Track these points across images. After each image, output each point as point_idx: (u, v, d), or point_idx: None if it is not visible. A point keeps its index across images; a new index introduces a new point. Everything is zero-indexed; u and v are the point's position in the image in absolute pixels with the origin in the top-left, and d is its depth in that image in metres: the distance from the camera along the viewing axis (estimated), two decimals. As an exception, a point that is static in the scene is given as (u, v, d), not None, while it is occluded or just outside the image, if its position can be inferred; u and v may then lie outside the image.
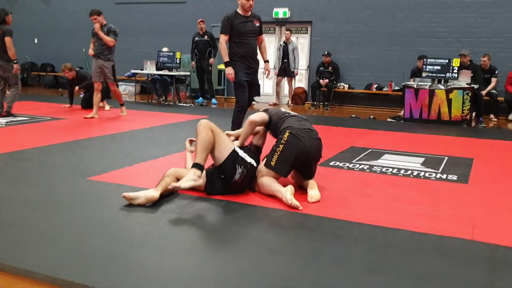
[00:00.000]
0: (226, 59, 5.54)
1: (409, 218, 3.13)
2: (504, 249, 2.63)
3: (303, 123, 3.70)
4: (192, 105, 10.41)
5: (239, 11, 5.58)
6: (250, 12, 5.58)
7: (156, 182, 3.36)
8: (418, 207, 3.37)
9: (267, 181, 3.49)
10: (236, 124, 5.58)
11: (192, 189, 3.44)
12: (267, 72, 5.87)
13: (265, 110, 3.88)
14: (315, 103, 10.88)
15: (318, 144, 3.66)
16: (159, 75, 10.51)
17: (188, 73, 10.78)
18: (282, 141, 3.52)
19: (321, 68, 11.01)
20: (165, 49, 11.01)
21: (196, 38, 10.66)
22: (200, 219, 3.04)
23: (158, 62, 10.58)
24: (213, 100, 10.74)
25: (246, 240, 2.71)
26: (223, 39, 5.52)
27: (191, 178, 3.21)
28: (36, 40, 14.75)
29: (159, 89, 10.73)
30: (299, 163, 3.61)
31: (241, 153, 3.48)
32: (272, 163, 3.52)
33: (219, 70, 12.00)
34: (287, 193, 3.30)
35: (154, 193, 3.23)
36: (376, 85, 10.85)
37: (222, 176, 3.44)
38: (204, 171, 3.36)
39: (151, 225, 2.89)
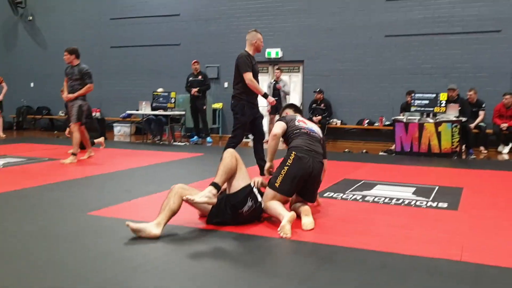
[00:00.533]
0: (263, 91, 5.83)
1: (400, 242, 3.24)
2: (491, 268, 2.75)
3: (312, 143, 3.88)
4: (187, 143, 10.57)
5: (250, 52, 5.80)
6: None
7: (156, 214, 3.44)
8: (409, 232, 3.49)
9: (273, 204, 3.62)
10: None
11: (192, 222, 3.53)
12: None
13: (282, 118, 4.11)
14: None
15: (320, 167, 3.85)
16: (154, 115, 10.72)
17: (183, 112, 11.00)
18: (287, 163, 3.71)
19: (313, 105, 11.28)
20: (160, 89, 11.26)
21: (191, 78, 10.94)
22: (200, 247, 3.12)
23: (153, 103, 10.80)
24: (208, 139, 10.91)
25: (244, 266, 2.80)
26: (251, 76, 5.65)
27: (206, 194, 3.33)
28: (32, 84, 15.03)
29: (154, 129, 10.90)
30: (302, 184, 3.77)
31: (255, 189, 3.64)
32: (276, 184, 3.68)
33: (213, 109, 12.25)
34: (284, 219, 3.39)
35: (156, 231, 3.26)
36: (367, 120, 11.10)
37: (231, 205, 3.53)
38: None
39: (152, 253, 2.98)
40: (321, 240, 3.26)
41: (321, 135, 4.11)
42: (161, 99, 10.76)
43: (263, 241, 3.27)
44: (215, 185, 3.41)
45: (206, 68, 12.22)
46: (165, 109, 10.65)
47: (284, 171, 3.69)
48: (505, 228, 3.66)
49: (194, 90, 10.67)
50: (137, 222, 3.31)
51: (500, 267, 2.76)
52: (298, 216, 3.72)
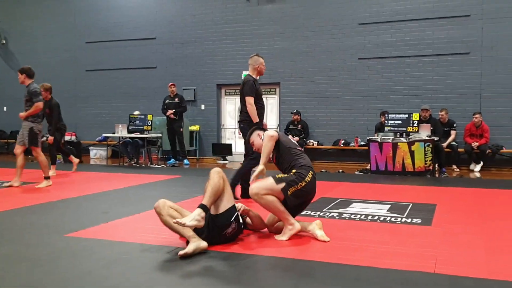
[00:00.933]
0: (257, 119, 5.76)
1: (375, 256, 3.31)
2: (463, 279, 2.83)
3: None
4: (164, 166, 10.53)
5: (253, 75, 5.87)
6: None
7: (134, 234, 3.45)
8: (384, 247, 3.56)
9: (279, 205, 3.70)
10: (242, 175, 5.77)
11: (173, 242, 3.53)
12: None
13: (273, 130, 4.06)
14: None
15: None
16: (130, 137, 10.68)
17: (160, 135, 11.00)
18: (306, 180, 3.77)
19: (290, 126, 11.42)
20: (136, 112, 11.26)
21: (167, 101, 10.98)
22: (180, 265, 3.13)
23: (129, 126, 10.78)
24: (185, 161, 10.91)
25: (226, 282, 2.82)
26: (252, 101, 5.69)
27: (196, 218, 3.31)
28: (5, 108, 14.83)
29: (131, 151, 10.85)
30: (303, 203, 3.93)
31: (238, 211, 3.66)
32: (289, 192, 3.72)
33: (190, 131, 12.27)
34: (294, 229, 3.68)
35: (203, 243, 3.35)
36: (343, 141, 11.28)
37: (216, 227, 3.51)
38: None
39: (131, 272, 2.98)
40: (300, 256, 3.31)
41: None
42: (137, 121, 10.76)
43: (244, 258, 3.29)
44: (204, 207, 3.38)
45: (183, 91, 12.29)
46: (141, 131, 10.63)
47: (301, 185, 3.73)
48: (476, 242, 3.77)
49: (170, 111, 10.72)
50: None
51: (473, 278, 2.84)
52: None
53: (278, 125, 12.06)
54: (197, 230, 3.46)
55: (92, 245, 3.56)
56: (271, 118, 12.15)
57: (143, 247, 3.52)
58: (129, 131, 10.68)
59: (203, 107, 12.61)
